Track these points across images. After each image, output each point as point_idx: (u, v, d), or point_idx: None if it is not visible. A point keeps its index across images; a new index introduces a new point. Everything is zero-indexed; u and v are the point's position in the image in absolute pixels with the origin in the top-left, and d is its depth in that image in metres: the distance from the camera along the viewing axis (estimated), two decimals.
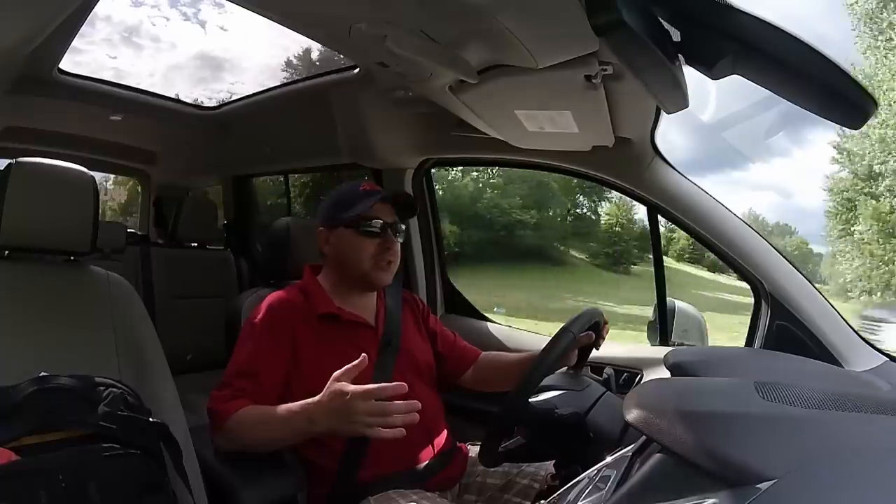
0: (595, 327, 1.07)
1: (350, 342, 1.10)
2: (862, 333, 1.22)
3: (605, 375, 1.33)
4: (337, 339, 1.09)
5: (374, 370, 1.07)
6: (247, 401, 0.98)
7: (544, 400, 0.96)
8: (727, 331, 5.33)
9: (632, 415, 0.53)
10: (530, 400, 0.94)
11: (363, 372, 0.94)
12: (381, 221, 1.11)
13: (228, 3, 1.03)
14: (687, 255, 13.34)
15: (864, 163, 10.28)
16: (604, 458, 0.72)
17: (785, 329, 1.19)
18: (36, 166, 0.94)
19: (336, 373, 0.88)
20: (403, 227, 1.17)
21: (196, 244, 2.40)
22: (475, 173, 12.71)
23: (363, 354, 0.87)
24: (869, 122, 0.66)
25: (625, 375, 1.35)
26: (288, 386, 1.03)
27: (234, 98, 2.18)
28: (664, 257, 1.51)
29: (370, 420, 0.83)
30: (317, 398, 0.90)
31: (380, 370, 1.08)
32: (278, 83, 1.94)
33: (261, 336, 1.06)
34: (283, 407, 0.94)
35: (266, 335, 1.06)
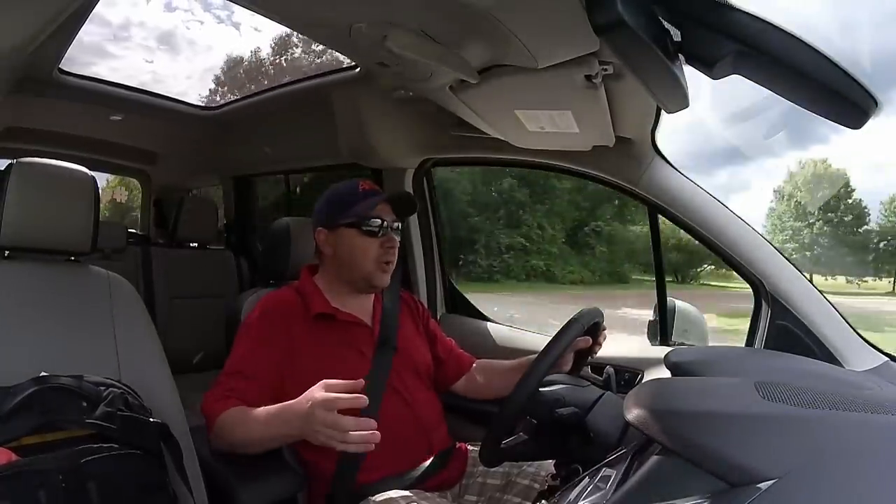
0: (595, 328, 1.07)
1: (346, 342, 1.10)
2: None
3: (605, 375, 1.33)
4: (333, 339, 1.09)
5: (371, 370, 1.07)
6: (236, 401, 0.98)
7: (552, 390, 0.96)
8: None
9: (632, 414, 0.53)
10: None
11: (359, 373, 0.94)
12: (383, 221, 1.12)
13: None
14: None
15: None
16: (604, 458, 0.72)
17: (785, 329, 1.19)
18: (36, 166, 0.94)
19: (326, 381, 0.86)
20: (399, 225, 1.17)
21: (196, 244, 2.41)
22: None
23: (360, 380, 0.86)
24: None
25: (625, 375, 1.35)
26: (283, 386, 1.03)
27: (236, 98, 2.19)
28: None
29: (328, 433, 0.82)
30: (295, 400, 0.89)
31: (377, 370, 1.08)
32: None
33: (255, 337, 1.06)
34: (266, 408, 0.94)
35: (260, 336, 1.06)
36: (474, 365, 1.28)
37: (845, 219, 14.11)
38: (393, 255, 1.13)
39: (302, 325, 1.08)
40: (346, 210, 1.12)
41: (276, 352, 1.05)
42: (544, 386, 0.96)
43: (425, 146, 1.70)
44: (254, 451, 0.96)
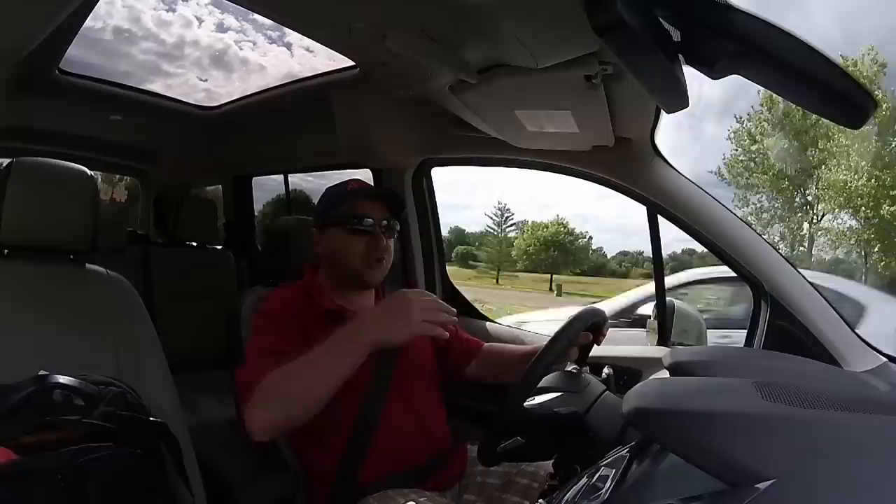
0: (594, 328, 1.07)
1: None
2: None
3: (604, 375, 1.34)
4: None
5: (375, 369, 1.07)
6: (278, 364, 0.92)
7: (540, 404, 0.95)
8: None
9: (631, 414, 0.53)
10: (525, 404, 0.94)
11: (362, 372, 0.93)
12: (370, 220, 1.11)
13: None
14: None
15: None
16: (603, 458, 0.72)
17: (784, 329, 1.19)
18: (36, 165, 0.94)
19: None
20: (397, 224, 1.16)
21: (196, 244, 2.41)
22: None
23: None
24: None
25: (625, 376, 1.35)
26: None
27: (235, 98, 2.18)
28: None
29: (424, 314, 0.90)
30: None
31: (381, 369, 1.08)
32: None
33: (277, 322, 1.05)
34: (315, 348, 0.91)
35: (282, 322, 1.05)
36: (483, 348, 1.28)
37: None
38: (381, 252, 1.12)
39: (312, 322, 1.07)
40: (333, 209, 1.12)
41: (297, 338, 1.01)
42: (541, 392, 0.96)
43: (425, 146, 1.70)
44: (310, 402, 0.89)
